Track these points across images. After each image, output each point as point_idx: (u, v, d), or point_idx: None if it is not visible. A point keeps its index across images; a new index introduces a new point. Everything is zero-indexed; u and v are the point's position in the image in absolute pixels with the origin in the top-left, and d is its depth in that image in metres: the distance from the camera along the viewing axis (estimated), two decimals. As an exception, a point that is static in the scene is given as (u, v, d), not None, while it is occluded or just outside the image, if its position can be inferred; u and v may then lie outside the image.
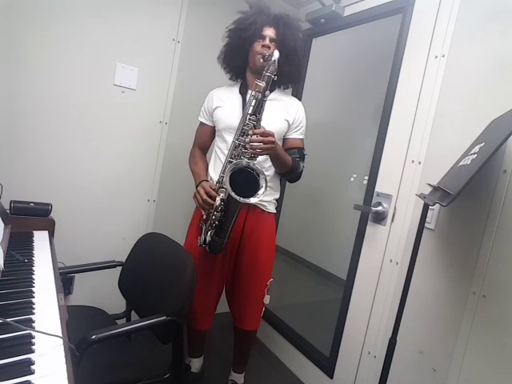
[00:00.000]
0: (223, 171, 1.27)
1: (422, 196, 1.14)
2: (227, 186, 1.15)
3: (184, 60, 1.91)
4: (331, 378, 1.65)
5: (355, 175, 2.05)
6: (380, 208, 1.47)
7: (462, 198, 1.06)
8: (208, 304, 1.47)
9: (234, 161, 1.22)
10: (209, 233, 1.29)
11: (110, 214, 1.84)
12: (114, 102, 1.75)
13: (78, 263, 1.41)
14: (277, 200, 1.50)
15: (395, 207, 1.44)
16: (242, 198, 1.15)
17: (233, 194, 1.14)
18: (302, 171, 1.44)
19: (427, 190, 1.18)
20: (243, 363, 1.67)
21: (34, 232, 1.37)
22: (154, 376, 1.13)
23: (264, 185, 1.17)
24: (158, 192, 1.97)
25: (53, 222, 1.46)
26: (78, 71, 1.63)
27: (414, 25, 1.46)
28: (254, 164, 1.19)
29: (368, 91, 1.99)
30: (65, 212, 1.63)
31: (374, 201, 1.52)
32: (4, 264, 0.93)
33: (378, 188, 1.52)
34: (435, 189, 1.09)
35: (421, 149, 1.37)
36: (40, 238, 1.33)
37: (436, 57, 1.35)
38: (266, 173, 1.22)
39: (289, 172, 1.41)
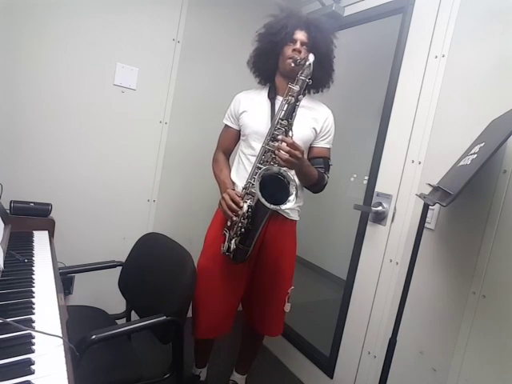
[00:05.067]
0: (251, 177, 1.23)
1: (422, 196, 1.14)
2: (257, 192, 1.09)
3: (184, 60, 1.90)
4: (331, 377, 1.65)
5: (355, 175, 2.05)
6: (380, 208, 1.47)
7: (462, 197, 1.06)
8: (230, 311, 1.41)
9: (263, 166, 1.16)
10: (233, 240, 1.23)
11: (110, 214, 1.84)
12: (114, 102, 1.75)
13: (78, 263, 1.41)
14: (300, 207, 1.45)
15: (395, 207, 1.44)
16: (272, 205, 1.09)
17: (263, 200, 1.09)
18: (326, 183, 1.39)
19: (427, 190, 1.18)
20: (248, 365, 1.67)
21: (34, 232, 1.37)
22: (154, 376, 1.13)
23: (294, 192, 1.12)
24: (158, 192, 1.97)
25: (53, 222, 1.46)
26: (77, 71, 1.63)
27: (414, 25, 1.46)
28: (284, 170, 1.13)
29: (368, 91, 1.99)
30: (65, 212, 1.63)
31: (374, 201, 1.52)
32: (4, 264, 0.93)
33: (378, 188, 1.52)
34: (435, 189, 1.09)
35: (421, 149, 1.36)
36: (40, 238, 1.33)
37: (436, 57, 1.35)
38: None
39: (313, 185, 1.36)
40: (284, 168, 1.14)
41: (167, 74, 1.88)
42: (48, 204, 1.48)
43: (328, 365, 1.67)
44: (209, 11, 1.93)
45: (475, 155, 0.97)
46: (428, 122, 1.35)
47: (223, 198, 1.25)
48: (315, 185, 1.36)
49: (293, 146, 1.13)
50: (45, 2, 1.51)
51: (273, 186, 1.12)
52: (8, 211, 1.36)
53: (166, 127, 1.92)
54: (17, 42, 1.48)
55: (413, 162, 1.39)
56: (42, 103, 1.58)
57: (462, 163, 1.06)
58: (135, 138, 1.84)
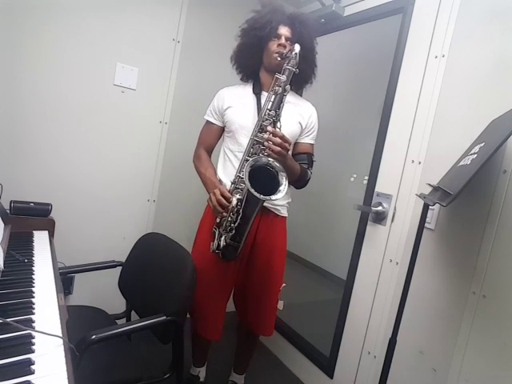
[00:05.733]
0: (240, 170, 1.22)
1: (422, 196, 1.14)
2: (246, 183, 1.07)
3: (184, 60, 1.91)
4: (331, 378, 1.65)
5: (355, 175, 2.05)
6: (380, 208, 1.47)
7: (462, 197, 1.06)
8: (220, 312, 1.41)
9: (252, 158, 1.15)
10: (223, 237, 1.21)
11: (110, 214, 1.84)
12: (114, 102, 1.75)
13: (78, 263, 1.41)
14: (289, 204, 1.45)
15: (395, 207, 1.44)
16: (262, 196, 1.07)
17: (252, 190, 1.06)
18: (309, 179, 1.40)
19: (427, 190, 1.18)
20: (246, 365, 1.67)
21: (34, 232, 1.37)
22: (154, 376, 1.13)
23: (284, 182, 1.10)
24: (158, 192, 1.97)
25: (53, 222, 1.46)
26: (77, 71, 1.63)
27: (414, 25, 1.46)
28: (273, 161, 1.13)
29: (368, 91, 1.99)
30: (65, 212, 1.63)
31: (374, 201, 1.52)
32: (4, 264, 0.93)
33: (378, 188, 1.52)
34: (435, 189, 1.09)
35: (421, 149, 1.37)
36: (40, 238, 1.33)
37: (436, 57, 1.35)
38: None
39: (296, 180, 1.36)
40: (272, 159, 1.14)
41: (167, 74, 1.88)
42: (48, 204, 1.48)
43: (328, 365, 1.67)
44: (209, 11, 1.94)
45: (475, 155, 0.97)
46: (428, 122, 1.35)
47: (214, 193, 1.23)
48: (298, 180, 1.36)
49: (283, 138, 1.14)
50: (45, 2, 1.51)
51: (262, 178, 1.10)
52: (8, 211, 1.36)
53: (166, 127, 1.92)
54: (17, 42, 1.48)
55: (413, 162, 1.39)
56: (42, 103, 1.58)
57: (461, 163, 1.06)
58: (135, 138, 1.85)
